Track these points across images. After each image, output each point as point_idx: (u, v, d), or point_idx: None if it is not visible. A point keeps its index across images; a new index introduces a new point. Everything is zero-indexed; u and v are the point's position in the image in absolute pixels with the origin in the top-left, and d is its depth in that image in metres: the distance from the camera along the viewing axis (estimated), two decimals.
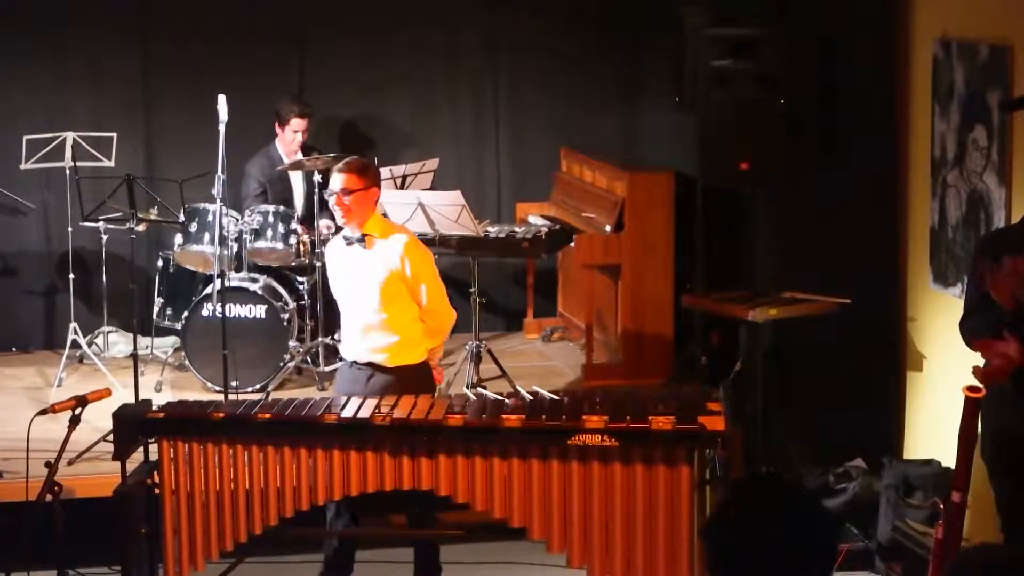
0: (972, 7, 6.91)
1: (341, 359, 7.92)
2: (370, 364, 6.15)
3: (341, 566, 6.35)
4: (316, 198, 8.14)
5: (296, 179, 8.56)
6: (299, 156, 8.39)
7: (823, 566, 2.92)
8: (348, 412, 5.67)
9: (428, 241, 7.91)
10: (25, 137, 8.31)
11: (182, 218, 7.98)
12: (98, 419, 6.44)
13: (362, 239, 6.09)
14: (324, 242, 8.27)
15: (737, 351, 7.48)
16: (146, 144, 9.07)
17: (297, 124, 8.46)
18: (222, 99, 7.19)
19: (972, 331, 5.59)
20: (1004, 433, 5.58)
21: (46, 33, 8.86)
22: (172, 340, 8.51)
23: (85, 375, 8.29)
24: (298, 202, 8.55)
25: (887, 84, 7.46)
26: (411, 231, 6.34)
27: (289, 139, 8.47)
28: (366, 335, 6.14)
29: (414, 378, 6.14)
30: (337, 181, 6.06)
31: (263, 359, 8.00)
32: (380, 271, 6.07)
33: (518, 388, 5.92)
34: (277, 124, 8.51)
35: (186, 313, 8.01)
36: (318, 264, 8.18)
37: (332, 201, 6.09)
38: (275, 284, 8.22)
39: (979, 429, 5.61)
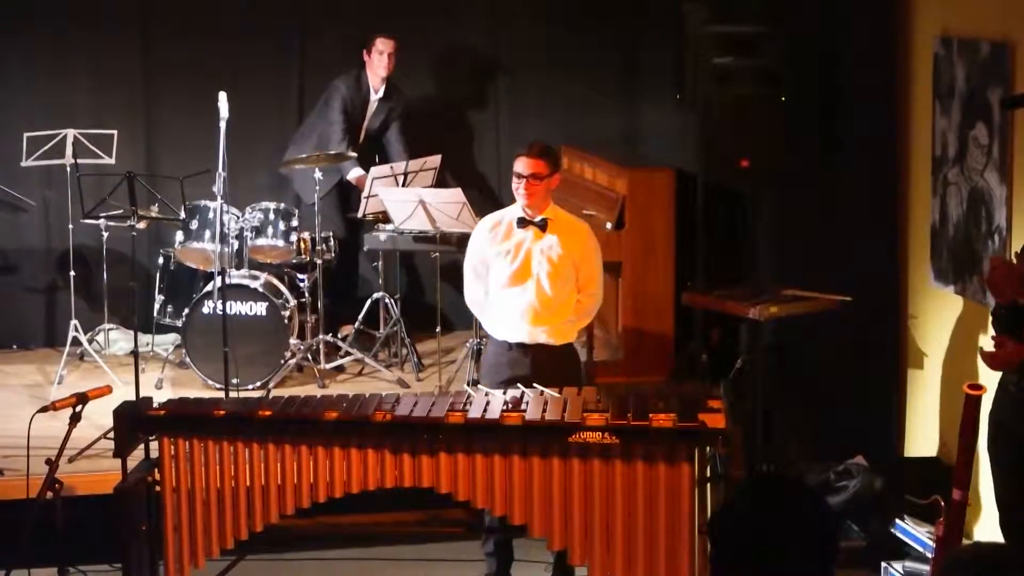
0: (973, 4, 6.90)
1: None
2: (535, 345, 6.26)
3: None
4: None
5: (371, 109, 8.70)
6: (381, 90, 8.60)
7: (825, 563, 2.92)
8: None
9: (428, 239, 7.93)
10: (26, 135, 8.31)
11: (183, 215, 7.98)
12: (99, 416, 6.44)
13: (544, 223, 6.24)
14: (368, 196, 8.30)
15: (738, 349, 7.49)
16: (147, 141, 9.06)
17: (383, 44, 8.53)
18: (223, 96, 7.19)
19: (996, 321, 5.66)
20: (1009, 428, 5.59)
21: (47, 30, 8.86)
22: (173, 337, 8.50)
23: (86, 372, 8.29)
24: (365, 129, 8.69)
25: (888, 81, 7.46)
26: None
27: (377, 63, 8.55)
28: (534, 316, 6.25)
29: (573, 357, 6.38)
30: (527, 166, 6.18)
31: (264, 356, 7.99)
32: (556, 254, 6.22)
33: (519, 385, 5.91)
34: (364, 52, 8.60)
35: (187, 310, 8.01)
36: (318, 262, 8.19)
37: (520, 186, 6.19)
38: (276, 281, 8.22)
39: (986, 424, 5.64)
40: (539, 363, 6.20)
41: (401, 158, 8.56)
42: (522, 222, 6.25)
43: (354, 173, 8.51)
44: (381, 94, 8.65)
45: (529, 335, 6.26)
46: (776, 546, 2.87)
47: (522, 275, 6.25)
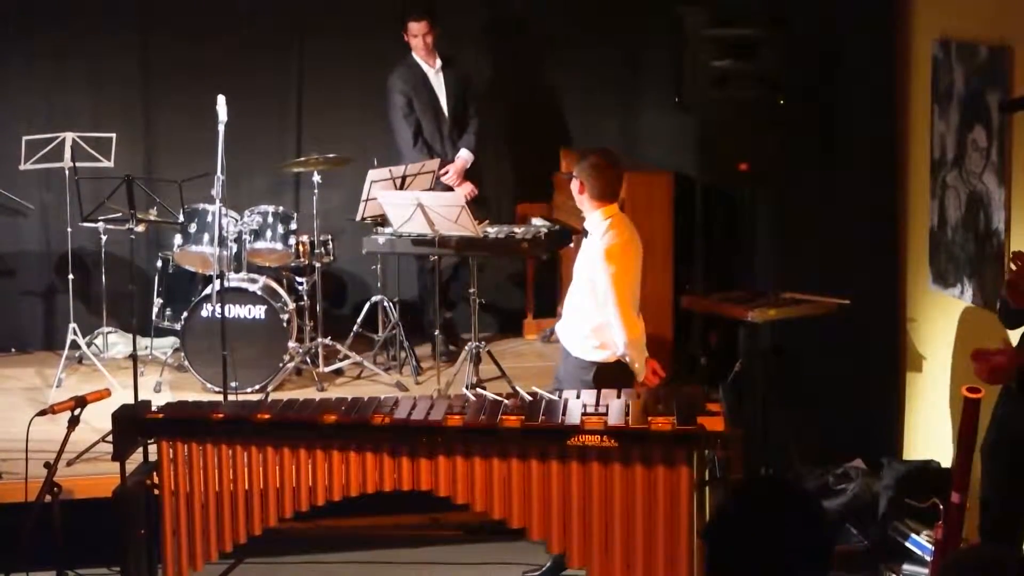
0: (971, 8, 6.91)
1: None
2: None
3: None
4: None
5: (439, 84, 8.68)
6: (438, 62, 8.58)
7: (820, 566, 2.92)
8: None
9: (427, 242, 7.93)
10: (24, 137, 8.30)
11: (181, 219, 7.98)
12: (97, 420, 6.43)
13: (585, 231, 6.36)
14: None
15: (737, 352, 7.48)
16: (145, 144, 9.06)
17: (414, 28, 8.53)
18: (221, 100, 7.18)
19: (1005, 317, 5.64)
20: (1008, 433, 5.58)
21: (46, 33, 8.86)
22: (171, 341, 8.50)
23: (84, 376, 8.29)
24: (445, 107, 8.68)
25: (886, 85, 7.47)
26: (625, 229, 6.34)
27: (416, 46, 8.57)
28: (574, 322, 6.32)
29: (607, 376, 6.24)
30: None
31: (262, 360, 7.99)
32: (587, 264, 6.29)
33: (518, 389, 5.90)
34: (405, 36, 8.61)
35: (185, 314, 8.01)
36: (317, 265, 8.19)
37: None
38: (274, 285, 8.22)
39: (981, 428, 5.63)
40: (599, 378, 6.21)
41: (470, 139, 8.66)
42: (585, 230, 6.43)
43: (461, 155, 8.58)
44: (439, 66, 8.63)
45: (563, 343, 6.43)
46: (770, 550, 2.86)
47: (574, 280, 6.46)
